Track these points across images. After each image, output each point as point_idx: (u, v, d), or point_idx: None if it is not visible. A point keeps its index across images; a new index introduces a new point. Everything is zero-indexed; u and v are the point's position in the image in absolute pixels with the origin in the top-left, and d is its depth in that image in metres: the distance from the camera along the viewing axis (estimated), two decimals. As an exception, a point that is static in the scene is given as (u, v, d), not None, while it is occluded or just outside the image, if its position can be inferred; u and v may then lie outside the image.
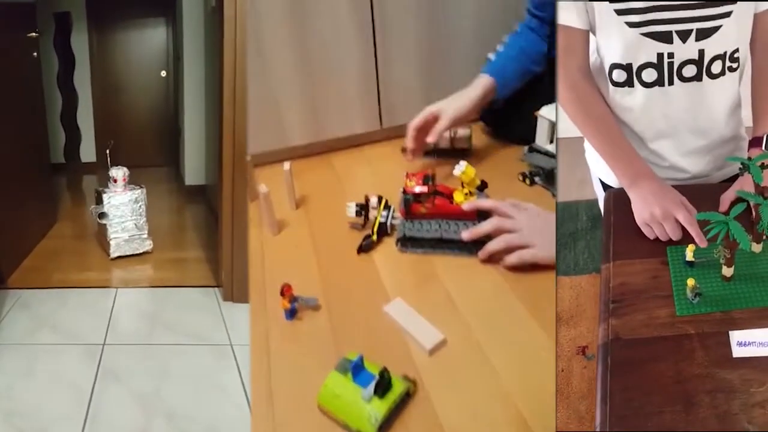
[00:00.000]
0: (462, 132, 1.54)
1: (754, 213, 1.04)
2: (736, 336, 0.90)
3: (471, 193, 1.24)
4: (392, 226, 1.28)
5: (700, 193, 1.15)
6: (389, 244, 1.25)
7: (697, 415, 0.77)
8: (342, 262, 1.21)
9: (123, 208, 2.50)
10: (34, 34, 2.51)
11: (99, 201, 2.50)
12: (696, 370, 0.84)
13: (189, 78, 3.41)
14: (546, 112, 1.32)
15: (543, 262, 1.05)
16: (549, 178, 1.32)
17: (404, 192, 1.25)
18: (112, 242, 2.49)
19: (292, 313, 1.06)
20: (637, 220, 1.13)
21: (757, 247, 1.05)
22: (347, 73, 1.57)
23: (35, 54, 2.54)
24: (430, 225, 1.23)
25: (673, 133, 1.22)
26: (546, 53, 1.45)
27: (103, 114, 4.12)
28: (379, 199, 1.29)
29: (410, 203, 1.24)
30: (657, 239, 1.11)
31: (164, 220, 2.97)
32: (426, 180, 1.26)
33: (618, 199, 1.17)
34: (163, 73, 4.24)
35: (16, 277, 2.09)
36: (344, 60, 1.56)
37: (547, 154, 1.32)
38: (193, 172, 3.51)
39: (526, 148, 1.35)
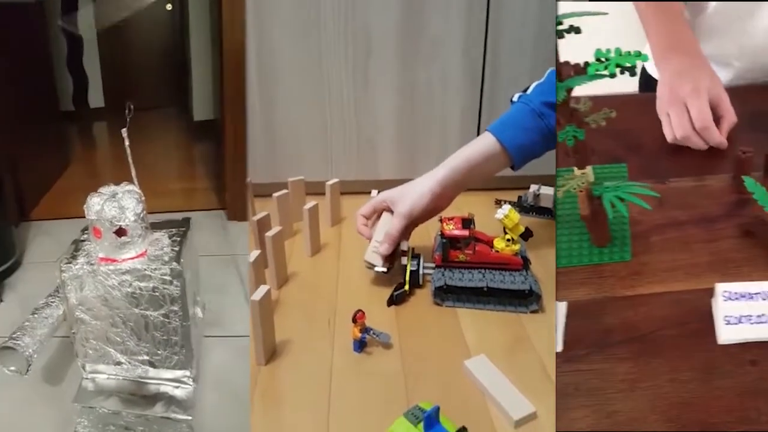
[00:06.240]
0: (546, 190, 1.51)
1: None
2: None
3: (513, 241, 1.18)
4: (424, 276, 1.24)
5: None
6: (421, 296, 1.22)
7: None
8: (418, 304, 1.20)
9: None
10: (32, -23, 2.69)
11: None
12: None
13: (194, 10, 3.53)
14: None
15: None
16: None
17: (442, 236, 1.20)
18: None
19: (361, 345, 1.05)
20: (658, 111, 1.09)
21: None
22: (450, 116, 1.77)
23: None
24: (473, 274, 1.18)
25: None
26: None
27: (109, 56, 4.28)
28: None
29: (448, 249, 1.19)
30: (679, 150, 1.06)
31: (173, 155, 3.31)
32: (466, 224, 1.20)
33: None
34: (169, 7, 4.33)
35: (37, 211, 2.43)
36: (449, 104, 1.75)
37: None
38: (202, 107, 3.71)
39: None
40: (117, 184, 1.10)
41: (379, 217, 1.30)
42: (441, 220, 1.22)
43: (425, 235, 1.41)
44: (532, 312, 1.16)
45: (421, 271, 1.23)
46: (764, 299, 0.82)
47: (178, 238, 1.15)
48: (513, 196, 1.62)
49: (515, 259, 1.18)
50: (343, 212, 1.64)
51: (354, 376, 1.01)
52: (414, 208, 1.22)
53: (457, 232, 1.18)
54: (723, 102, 1.06)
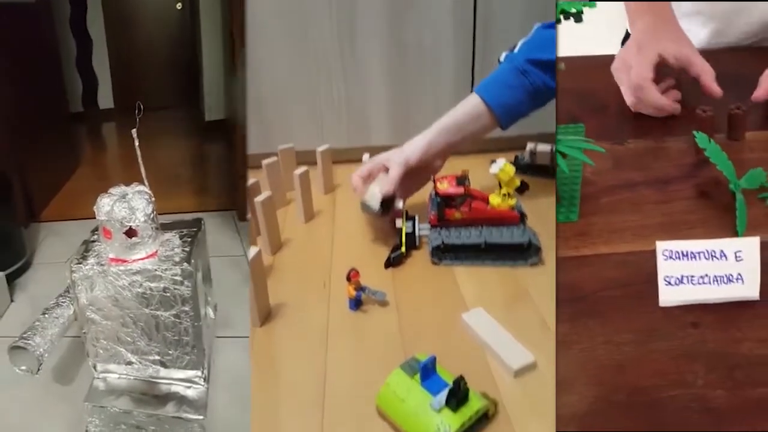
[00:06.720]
0: (543, 147, 1.49)
1: None
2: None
3: (509, 195, 1.18)
4: (420, 237, 1.23)
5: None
6: (419, 257, 1.21)
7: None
8: (415, 264, 1.19)
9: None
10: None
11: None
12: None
13: (205, 9, 3.54)
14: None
15: None
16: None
17: (436, 195, 1.20)
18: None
19: (356, 304, 1.05)
20: (613, 71, 1.09)
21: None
22: (441, 80, 1.73)
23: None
24: (470, 231, 1.18)
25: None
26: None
27: (118, 56, 4.32)
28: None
29: (443, 208, 1.19)
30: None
31: (184, 155, 3.33)
32: (460, 181, 1.20)
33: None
34: (179, 6, 4.37)
35: (47, 213, 2.46)
36: (440, 67, 1.72)
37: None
38: (213, 107, 3.74)
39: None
40: (127, 184, 1.11)
41: (373, 174, 1.28)
42: (434, 180, 1.23)
43: (419, 198, 1.37)
44: (532, 265, 1.15)
45: (417, 233, 1.22)
46: (707, 258, 0.78)
47: (189, 239, 1.16)
48: (509, 158, 1.52)
49: (512, 213, 1.18)
50: (336, 180, 1.60)
51: (350, 333, 1.00)
52: (410, 157, 1.21)
53: (451, 190, 1.18)
54: (695, 61, 1.04)
